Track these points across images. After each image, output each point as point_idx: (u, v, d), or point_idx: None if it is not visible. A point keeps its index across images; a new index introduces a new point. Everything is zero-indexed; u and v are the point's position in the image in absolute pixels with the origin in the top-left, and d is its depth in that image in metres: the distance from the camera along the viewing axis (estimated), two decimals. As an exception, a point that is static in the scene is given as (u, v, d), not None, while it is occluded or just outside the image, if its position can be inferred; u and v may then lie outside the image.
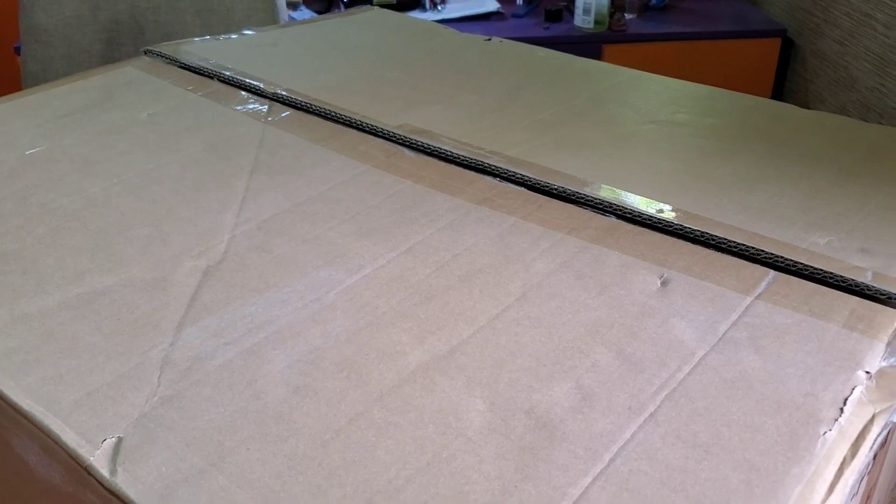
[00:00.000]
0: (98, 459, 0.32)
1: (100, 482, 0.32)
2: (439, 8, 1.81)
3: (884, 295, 0.40)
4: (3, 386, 0.36)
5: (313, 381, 0.36)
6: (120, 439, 0.33)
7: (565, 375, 0.36)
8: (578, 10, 1.72)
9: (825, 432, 0.32)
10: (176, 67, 0.71)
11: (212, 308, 0.41)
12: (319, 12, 1.84)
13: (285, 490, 0.31)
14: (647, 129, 0.60)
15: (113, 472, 0.32)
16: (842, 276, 0.41)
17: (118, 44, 1.25)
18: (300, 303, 0.41)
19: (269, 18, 1.26)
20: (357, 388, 0.36)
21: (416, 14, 1.79)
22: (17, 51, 1.56)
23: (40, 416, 0.35)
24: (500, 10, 1.82)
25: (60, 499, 0.35)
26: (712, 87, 0.70)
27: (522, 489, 0.30)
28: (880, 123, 1.47)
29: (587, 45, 1.72)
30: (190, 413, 0.34)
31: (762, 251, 0.43)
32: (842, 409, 0.33)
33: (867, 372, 0.35)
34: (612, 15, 1.73)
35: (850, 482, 0.30)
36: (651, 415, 0.33)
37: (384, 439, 0.33)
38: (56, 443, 0.34)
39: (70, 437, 0.33)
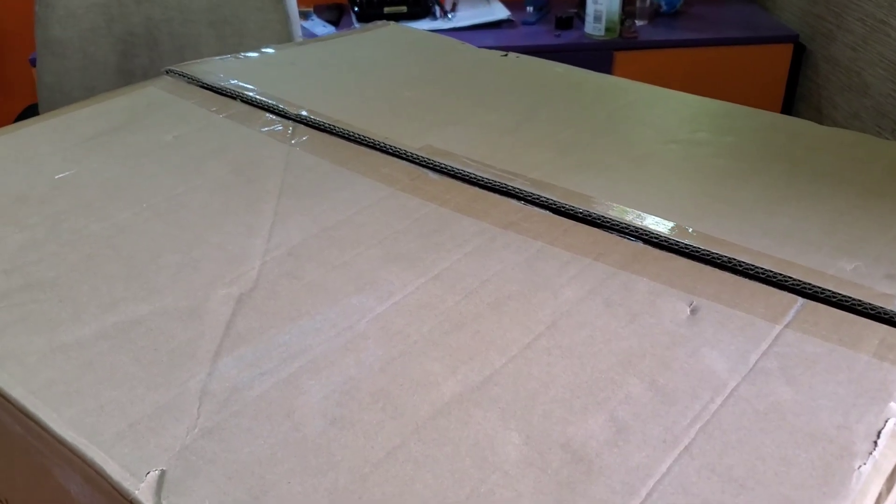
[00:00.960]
0: (143, 493, 0.33)
1: (145, 516, 0.32)
2: (450, 16, 1.81)
3: (912, 323, 0.40)
4: (46, 417, 0.37)
5: (349, 412, 0.37)
6: (163, 472, 0.34)
7: (599, 407, 0.36)
8: (589, 18, 1.72)
9: (860, 466, 0.32)
10: (198, 88, 0.72)
11: (246, 337, 0.41)
12: (330, 21, 1.85)
13: (328, 525, 0.31)
14: (668, 148, 0.61)
15: (158, 506, 0.32)
16: (870, 304, 0.41)
17: (133, 55, 1.26)
18: (333, 331, 0.42)
19: (282, 29, 1.27)
20: (393, 420, 0.36)
21: (426, 22, 1.80)
22: (33, 62, 1.58)
23: (83, 447, 0.35)
24: (511, 18, 1.82)
25: (103, 529, 0.36)
26: (730, 104, 0.70)
27: (561, 524, 0.31)
28: (895, 130, 1.47)
29: (598, 53, 1.72)
30: (230, 445, 0.35)
31: (790, 278, 0.44)
32: (875, 443, 0.33)
33: (899, 403, 0.35)
34: (622, 22, 1.73)
35: (887, 518, 0.30)
36: (686, 448, 0.34)
37: (422, 473, 0.33)
38: (100, 474, 0.34)
39: (114, 470, 0.34)
